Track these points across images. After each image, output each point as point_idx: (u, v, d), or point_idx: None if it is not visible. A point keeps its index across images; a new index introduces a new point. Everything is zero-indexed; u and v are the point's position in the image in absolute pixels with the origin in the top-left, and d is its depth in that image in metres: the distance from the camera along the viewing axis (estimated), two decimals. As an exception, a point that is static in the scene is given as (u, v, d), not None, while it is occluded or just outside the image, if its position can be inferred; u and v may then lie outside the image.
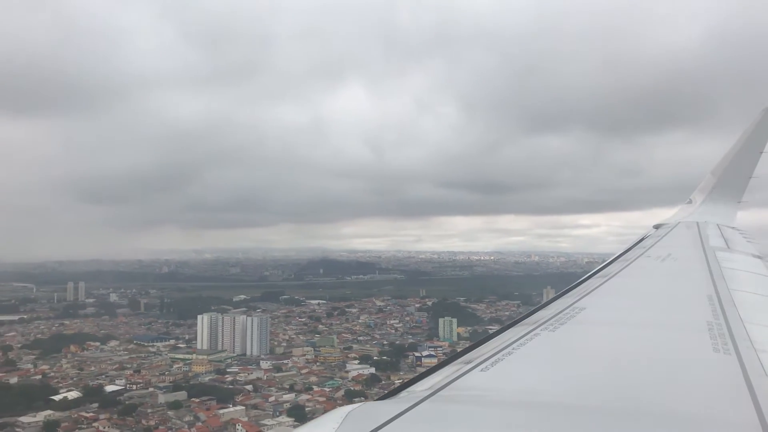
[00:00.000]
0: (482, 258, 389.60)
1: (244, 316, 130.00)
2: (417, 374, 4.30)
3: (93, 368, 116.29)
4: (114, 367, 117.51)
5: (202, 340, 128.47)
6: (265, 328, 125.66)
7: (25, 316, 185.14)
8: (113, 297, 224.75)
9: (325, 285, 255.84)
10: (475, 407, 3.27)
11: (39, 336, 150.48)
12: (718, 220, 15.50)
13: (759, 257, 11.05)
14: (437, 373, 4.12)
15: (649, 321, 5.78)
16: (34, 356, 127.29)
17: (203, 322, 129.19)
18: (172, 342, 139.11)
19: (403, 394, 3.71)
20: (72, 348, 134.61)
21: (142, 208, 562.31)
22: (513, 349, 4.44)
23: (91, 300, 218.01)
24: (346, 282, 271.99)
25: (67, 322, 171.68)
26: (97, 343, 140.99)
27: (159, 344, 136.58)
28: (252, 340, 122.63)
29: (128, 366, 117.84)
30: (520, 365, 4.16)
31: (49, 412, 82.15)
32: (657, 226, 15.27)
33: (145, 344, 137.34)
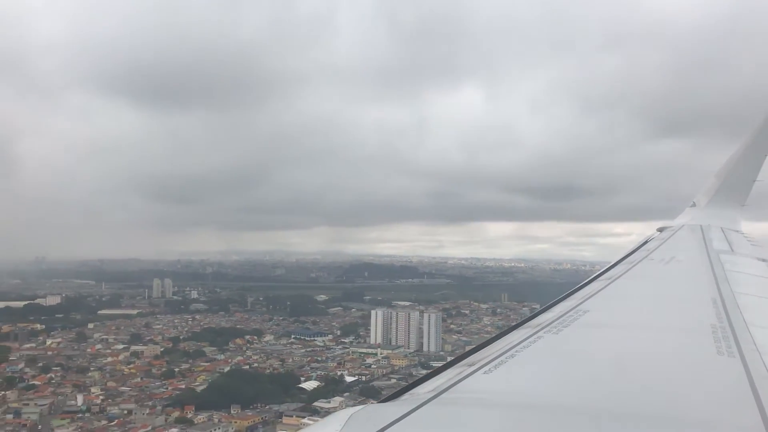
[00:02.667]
0: (515, 265, 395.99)
1: (417, 313, 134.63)
2: (420, 376, 4.33)
3: (290, 360, 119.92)
4: (307, 359, 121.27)
5: (376, 335, 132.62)
6: (439, 325, 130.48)
7: (141, 311, 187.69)
8: (193, 294, 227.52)
9: (382, 287, 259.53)
10: (479, 410, 3.29)
11: (188, 330, 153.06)
12: (722, 223, 15.27)
13: (763, 260, 10.94)
14: (440, 375, 4.12)
15: (652, 323, 5.72)
16: (213, 348, 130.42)
17: (377, 317, 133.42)
18: (329, 337, 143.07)
19: (406, 396, 3.72)
20: (238, 341, 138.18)
21: (190, 209, 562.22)
22: (516, 351, 4.41)
23: (177, 297, 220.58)
24: (399, 285, 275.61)
25: (197, 316, 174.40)
26: (254, 337, 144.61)
27: (319, 338, 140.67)
28: (430, 337, 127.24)
29: (319, 359, 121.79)
30: (524, 368, 4.13)
31: (339, 398, 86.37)
32: (661, 229, 15.07)
33: (307, 339, 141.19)
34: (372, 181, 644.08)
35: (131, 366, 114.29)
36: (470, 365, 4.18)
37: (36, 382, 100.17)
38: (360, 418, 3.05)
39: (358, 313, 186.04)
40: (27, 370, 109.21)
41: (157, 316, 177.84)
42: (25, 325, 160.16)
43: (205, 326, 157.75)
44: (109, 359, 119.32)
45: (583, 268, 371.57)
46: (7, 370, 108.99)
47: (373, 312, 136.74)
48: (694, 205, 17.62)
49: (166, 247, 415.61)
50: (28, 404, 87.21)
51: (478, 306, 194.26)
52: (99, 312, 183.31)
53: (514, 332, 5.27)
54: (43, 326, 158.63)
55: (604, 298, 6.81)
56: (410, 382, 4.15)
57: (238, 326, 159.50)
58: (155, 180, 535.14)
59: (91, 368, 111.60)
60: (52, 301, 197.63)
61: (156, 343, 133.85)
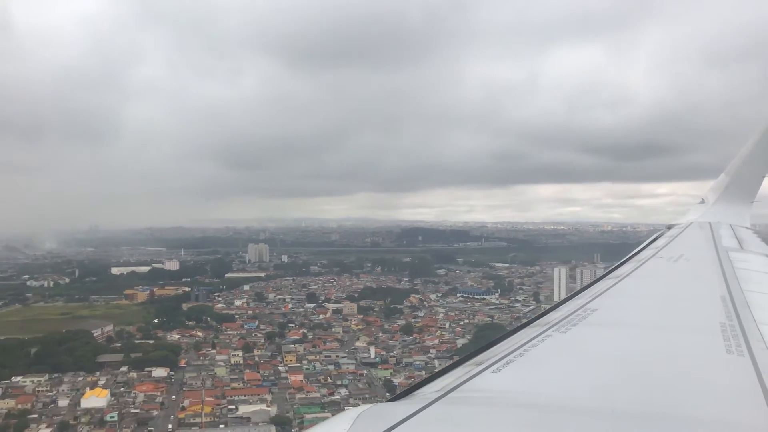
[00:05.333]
0: (555, 227, 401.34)
1: (603, 270, 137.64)
2: (428, 375, 4.32)
3: (496, 317, 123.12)
4: (508, 316, 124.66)
5: (559, 294, 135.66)
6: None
7: (268, 274, 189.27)
8: (283, 258, 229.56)
9: (450, 251, 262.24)
10: (487, 409, 3.27)
11: (343, 290, 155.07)
12: (732, 220, 15.10)
13: None
14: (448, 374, 4.10)
15: (661, 322, 5.68)
16: (398, 306, 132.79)
17: (560, 274, 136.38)
18: (494, 295, 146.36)
19: (414, 395, 3.70)
20: (412, 299, 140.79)
21: (240, 176, 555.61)
22: (524, 350, 4.39)
23: (279, 261, 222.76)
24: (461, 248, 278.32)
25: (334, 278, 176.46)
26: (426, 295, 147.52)
27: (489, 297, 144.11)
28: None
29: (521, 316, 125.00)
30: (532, 367, 4.11)
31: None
32: (669, 227, 14.91)
33: (477, 297, 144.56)
34: (437, 144, 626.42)
35: (354, 323, 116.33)
36: (478, 364, 4.13)
37: (295, 337, 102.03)
38: (368, 417, 3.04)
39: (475, 273, 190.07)
40: (262, 327, 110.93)
41: (293, 278, 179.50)
42: (174, 288, 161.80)
43: (355, 287, 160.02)
44: (321, 317, 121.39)
45: (624, 229, 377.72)
46: (245, 327, 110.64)
47: (555, 270, 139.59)
48: (702, 201, 17.39)
49: (201, 215, 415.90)
50: (329, 356, 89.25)
51: (594, 266, 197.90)
52: (226, 275, 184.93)
53: (522, 331, 5.21)
54: (189, 288, 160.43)
55: (612, 297, 6.69)
56: (418, 381, 4.14)
57: (383, 286, 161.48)
58: (234, 146, 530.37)
59: (324, 325, 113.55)
60: (171, 266, 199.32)
61: (338, 302, 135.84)
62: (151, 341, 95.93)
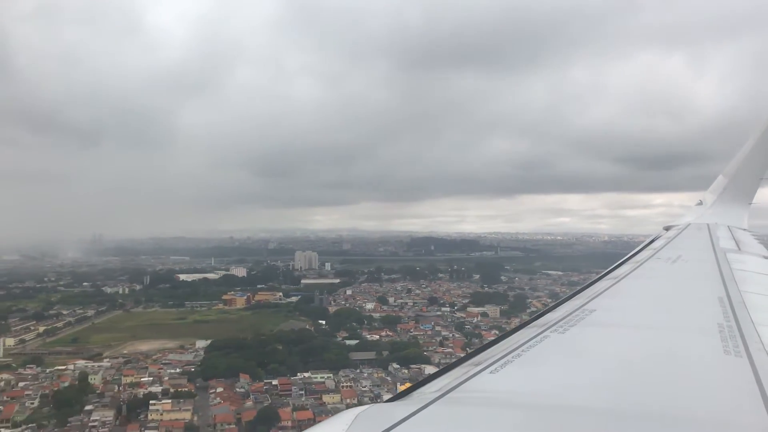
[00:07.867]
0: (555, 238, 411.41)
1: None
2: (426, 376, 4.36)
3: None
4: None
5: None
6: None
7: (342, 280, 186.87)
8: (327, 266, 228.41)
9: (470, 260, 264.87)
10: (485, 409, 3.27)
11: (446, 293, 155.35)
12: (729, 221, 15.23)
13: None
14: (447, 374, 4.12)
15: (659, 323, 5.70)
16: (518, 311, 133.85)
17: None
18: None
19: (413, 395, 3.72)
20: (536, 304, 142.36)
21: (248, 184, 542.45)
22: (522, 351, 4.38)
23: (324, 269, 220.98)
24: (479, 257, 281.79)
25: (423, 283, 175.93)
26: (533, 300, 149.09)
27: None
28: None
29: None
30: (530, 367, 4.11)
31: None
32: (667, 228, 15.04)
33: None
34: (440, 154, 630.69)
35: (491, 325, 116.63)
36: (476, 365, 4.18)
37: (490, 338, 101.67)
38: (366, 418, 3.07)
39: (541, 281, 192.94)
40: (437, 328, 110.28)
41: (359, 285, 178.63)
42: (269, 293, 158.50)
43: (453, 291, 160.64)
44: (474, 320, 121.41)
45: (623, 239, 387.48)
46: (421, 327, 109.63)
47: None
48: (700, 203, 17.46)
49: (193, 225, 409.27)
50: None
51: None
52: (302, 282, 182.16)
53: (520, 331, 5.30)
54: (280, 293, 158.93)
55: (610, 298, 6.77)
56: (417, 381, 4.18)
57: (461, 291, 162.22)
58: (259, 155, 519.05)
59: (498, 328, 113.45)
60: (238, 272, 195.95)
61: (466, 306, 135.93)
62: (362, 341, 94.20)
